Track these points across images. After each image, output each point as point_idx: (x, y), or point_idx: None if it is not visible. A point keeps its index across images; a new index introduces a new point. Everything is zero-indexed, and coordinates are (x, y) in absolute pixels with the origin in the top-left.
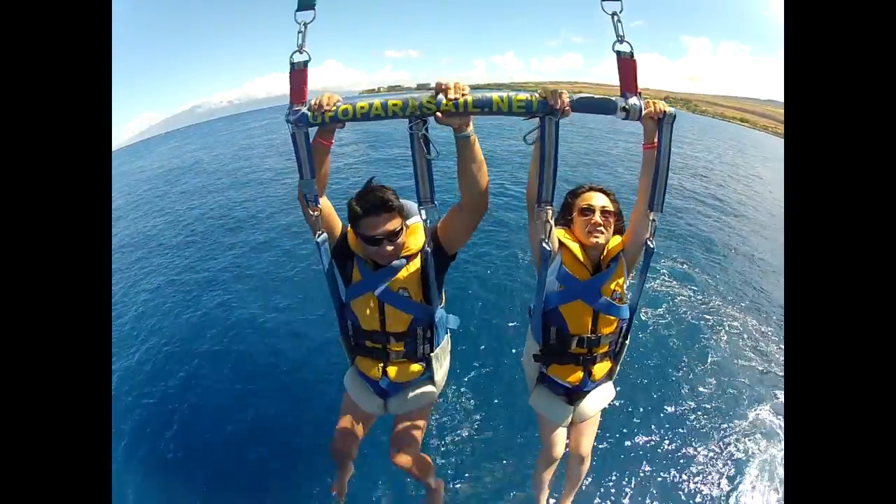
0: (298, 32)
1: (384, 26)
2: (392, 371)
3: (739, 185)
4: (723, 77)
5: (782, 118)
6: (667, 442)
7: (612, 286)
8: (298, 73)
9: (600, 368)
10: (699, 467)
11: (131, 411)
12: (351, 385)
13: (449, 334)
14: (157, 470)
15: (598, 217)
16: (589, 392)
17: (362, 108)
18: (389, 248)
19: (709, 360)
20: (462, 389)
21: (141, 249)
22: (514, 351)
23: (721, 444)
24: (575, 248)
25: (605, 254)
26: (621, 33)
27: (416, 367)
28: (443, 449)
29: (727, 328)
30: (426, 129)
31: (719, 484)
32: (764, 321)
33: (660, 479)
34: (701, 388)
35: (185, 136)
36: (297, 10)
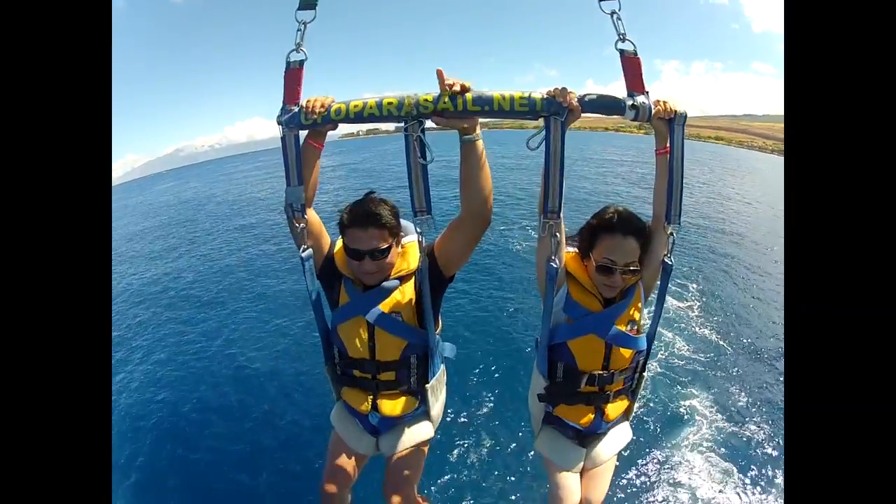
0: (297, 31)
1: (361, 71)
2: (383, 404)
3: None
4: (696, 98)
5: (758, 132)
6: (684, 480)
7: (629, 315)
8: (294, 73)
9: (615, 408)
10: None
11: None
12: (339, 422)
13: (444, 365)
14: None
15: (618, 279)
16: (603, 434)
17: (356, 106)
18: (372, 266)
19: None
20: (460, 423)
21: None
22: (519, 378)
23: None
24: (584, 280)
25: None
26: (622, 31)
27: (409, 401)
28: (440, 489)
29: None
30: (422, 131)
31: None
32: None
33: None
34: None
35: (175, 176)
36: (298, 9)
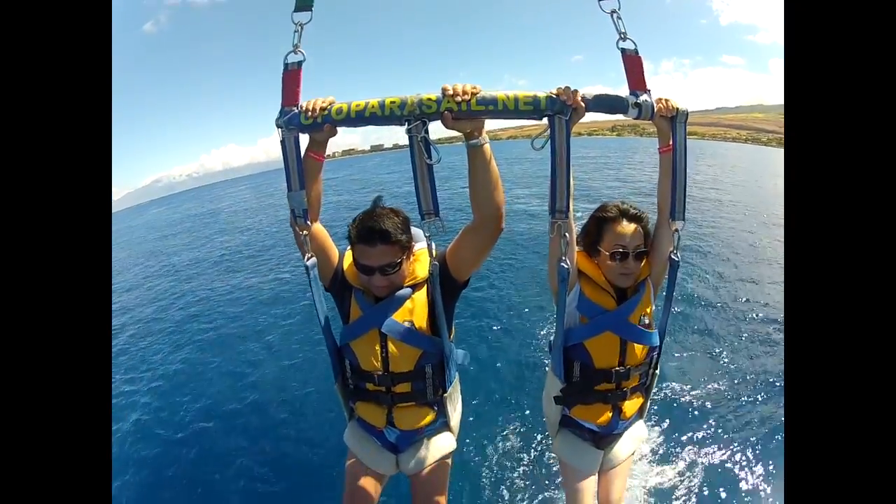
0: (294, 32)
1: (334, 95)
2: (399, 417)
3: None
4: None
5: (730, 124)
6: (694, 474)
7: (642, 310)
8: (292, 74)
9: (631, 405)
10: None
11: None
12: (354, 442)
13: (458, 373)
14: None
15: (632, 263)
16: (620, 434)
17: (358, 106)
18: (382, 281)
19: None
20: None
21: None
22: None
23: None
24: (597, 276)
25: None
26: (623, 30)
27: (427, 413)
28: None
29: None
30: (426, 131)
31: None
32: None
33: None
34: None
35: (160, 205)
36: (295, 11)
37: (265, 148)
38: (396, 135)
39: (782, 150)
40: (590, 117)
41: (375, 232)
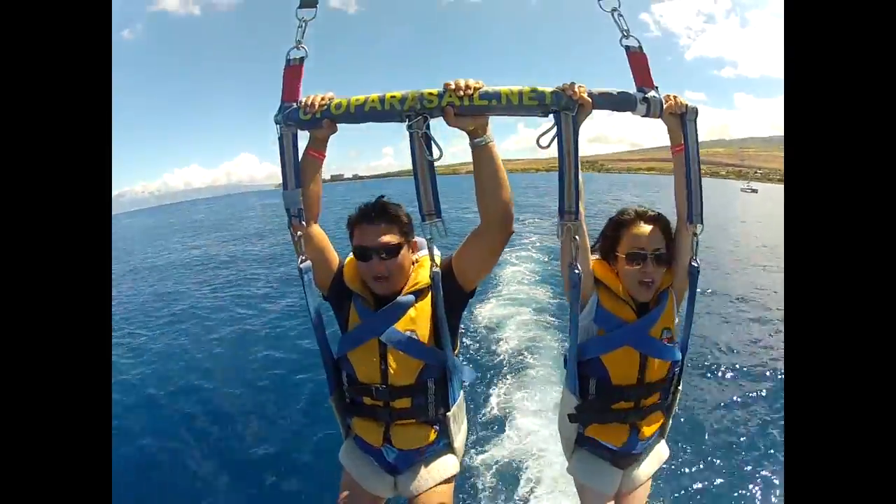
0: (298, 28)
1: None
2: (397, 435)
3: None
4: (628, 132)
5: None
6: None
7: (663, 323)
8: (293, 70)
9: (650, 425)
10: None
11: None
12: (350, 461)
13: (463, 390)
14: None
15: (651, 266)
16: (639, 454)
17: (358, 101)
18: (381, 267)
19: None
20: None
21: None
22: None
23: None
24: (616, 287)
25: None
26: (625, 28)
27: (427, 431)
28: None
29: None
30: (427, 127)
31: None
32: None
33: None
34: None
35: (131, 217)
36: (299, 7)
37: (227, 170)
38: (356, 166)
39: (737, 182)
40: (547, 152)
41: (376, 207)
